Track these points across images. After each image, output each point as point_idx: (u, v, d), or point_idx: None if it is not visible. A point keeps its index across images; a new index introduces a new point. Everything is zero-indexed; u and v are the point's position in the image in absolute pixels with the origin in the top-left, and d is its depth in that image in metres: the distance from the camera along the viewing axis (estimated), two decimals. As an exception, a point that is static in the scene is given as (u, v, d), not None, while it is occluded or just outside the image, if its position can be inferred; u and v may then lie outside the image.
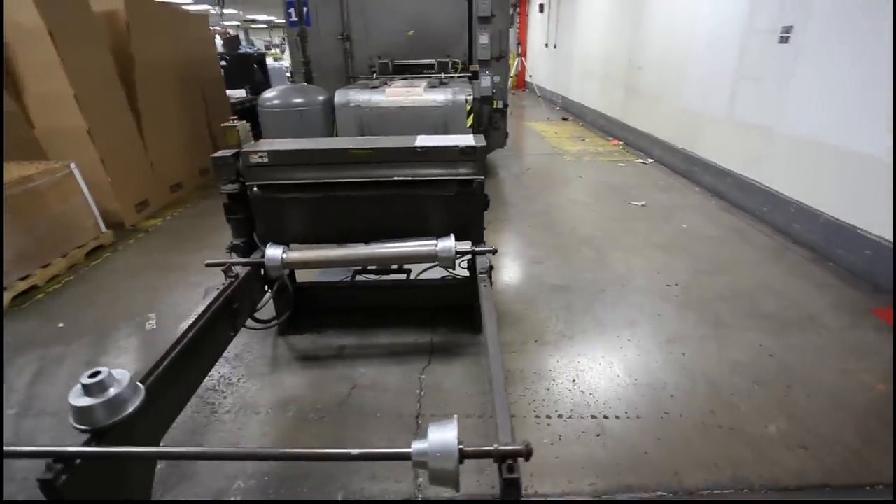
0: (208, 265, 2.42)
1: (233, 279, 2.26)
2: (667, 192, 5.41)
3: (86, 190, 4.13)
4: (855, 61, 3.45)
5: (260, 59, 7.84)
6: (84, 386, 1.32)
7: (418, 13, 5.42)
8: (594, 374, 2.54)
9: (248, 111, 7.58)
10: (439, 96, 4.03)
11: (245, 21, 21.35)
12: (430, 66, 5.39)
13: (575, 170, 6.43)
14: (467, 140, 2.51)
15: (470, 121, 4.10)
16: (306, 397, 2.42)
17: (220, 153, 2.58)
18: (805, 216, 3.91)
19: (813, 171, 3.86)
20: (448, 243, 2.42)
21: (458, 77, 4.81)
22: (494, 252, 2.46)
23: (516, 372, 2.55)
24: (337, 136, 4.19)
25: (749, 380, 2.47)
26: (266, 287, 2.64)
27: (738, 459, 2.01)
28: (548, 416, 2.26)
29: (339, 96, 4.07)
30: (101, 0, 4.55)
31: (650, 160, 6.59)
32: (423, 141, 2.51)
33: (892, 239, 3.18)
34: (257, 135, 2.92)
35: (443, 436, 1.21)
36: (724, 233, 4.28)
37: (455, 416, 1.29)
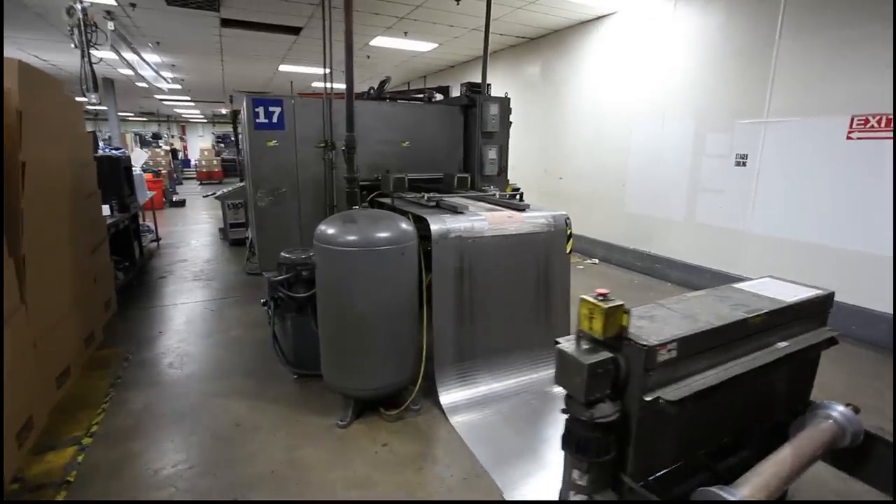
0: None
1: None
2: (648, 290, 5.88)
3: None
4: (800, 177, 4.57)
5: (128, 164, 5.58)
6: None
7: (413, 124, 4.86)
8: None
9: (120, 236, 5.20)
10: (541, 220, 3.51)
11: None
12: (437, 181, 4.78)
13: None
14: (813, 290, 2.18)
15: (569, 247, 3.67)
16: None
17: (593, 357, 1.54)
18: (806, 302, 4.75)
19: (804, 262, 4.76)
20: (846, 413, 1.95)
21: (507, 197, 4.35)
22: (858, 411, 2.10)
23: None
24: (430, 276, 3.14)
25: None
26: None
27: None
28: None
29: (437, 224, 3.11)
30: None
31: (595, 260, 7.18)
32: (785, 295, 2.07)
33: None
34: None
35: None
36: (745, 324, 4.82)
37: None
